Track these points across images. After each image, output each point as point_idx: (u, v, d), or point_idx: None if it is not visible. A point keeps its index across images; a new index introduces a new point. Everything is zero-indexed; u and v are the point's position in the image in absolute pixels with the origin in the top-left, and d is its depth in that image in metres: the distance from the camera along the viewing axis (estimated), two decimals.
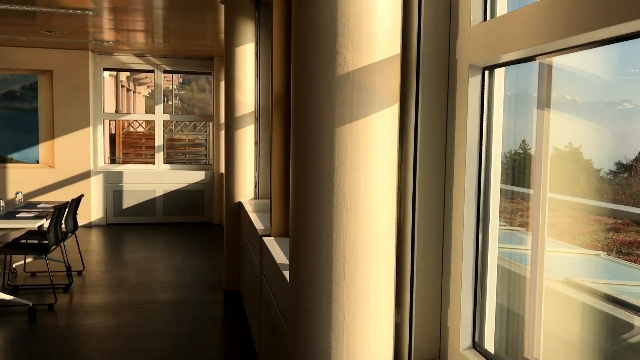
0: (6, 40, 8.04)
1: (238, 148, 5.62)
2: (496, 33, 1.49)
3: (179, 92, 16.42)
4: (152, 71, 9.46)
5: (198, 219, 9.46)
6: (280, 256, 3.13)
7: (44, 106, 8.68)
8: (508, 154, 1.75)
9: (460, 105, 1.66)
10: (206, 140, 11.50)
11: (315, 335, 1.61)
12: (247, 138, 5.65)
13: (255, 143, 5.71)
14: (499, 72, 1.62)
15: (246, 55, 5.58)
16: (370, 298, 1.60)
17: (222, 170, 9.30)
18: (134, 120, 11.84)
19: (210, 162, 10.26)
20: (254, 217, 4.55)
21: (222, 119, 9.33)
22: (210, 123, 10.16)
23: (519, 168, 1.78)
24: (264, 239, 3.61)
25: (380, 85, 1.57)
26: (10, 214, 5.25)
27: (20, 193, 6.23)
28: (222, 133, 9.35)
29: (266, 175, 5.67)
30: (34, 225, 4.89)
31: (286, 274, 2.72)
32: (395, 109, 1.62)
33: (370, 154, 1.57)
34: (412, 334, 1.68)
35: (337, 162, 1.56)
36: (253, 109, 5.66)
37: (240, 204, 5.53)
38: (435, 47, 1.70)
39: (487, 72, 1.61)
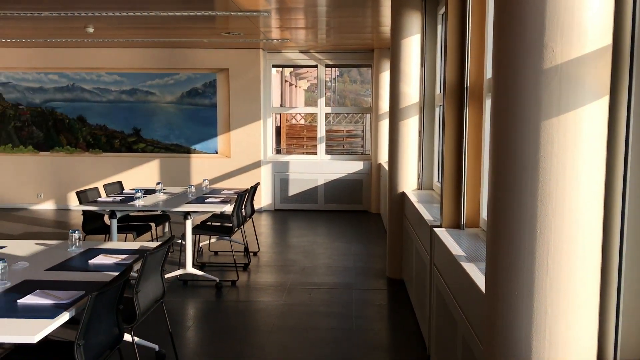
0: (191, 42, 9.00)
1: (402, 139, 5.70)
2: None
3: (334, 85, 16.96)
4: (315, 66, 9.92)
5: (356, 208, 9.77)
6: (455, 248, 3.16)
7: (222, 102, 9.58)
8: None
9: None
10: (362, 131, 11.78)
11: (515, 326, 1.64)
12: (410, 129, 5.71)
13: (419, 134, 5.74)
14: None
15: (411, 46, 5.62)
16: (573, 293, 1.58)
17: (380, 160, 9.48)
18: (296, 113, 12.54)
19: (367, 153, 10.50)
20: (420, 207, 4.60)
21: (381, 110, 9.49)
22: (368, 114, 10.37)
23: None
24: (435, 230, 3.65)
25: (590, 77, 1.54)
26: (200, 199, 5.92)
27: (206, 180, 6.98)
28: (381, 124, 9.53)
29: (429, 166, 5.69)
30: (222, 209, 5.47)
31: (464, 265, 2.75)
32: (605, 102, 1.57)
33: (577, 148, 1.54)
34: (619, 332, 1.63)
35: (542, 155, 1.56)
36: (417, 100, 5.70)
37: (403, 194, 5.62)
38: None
39: None
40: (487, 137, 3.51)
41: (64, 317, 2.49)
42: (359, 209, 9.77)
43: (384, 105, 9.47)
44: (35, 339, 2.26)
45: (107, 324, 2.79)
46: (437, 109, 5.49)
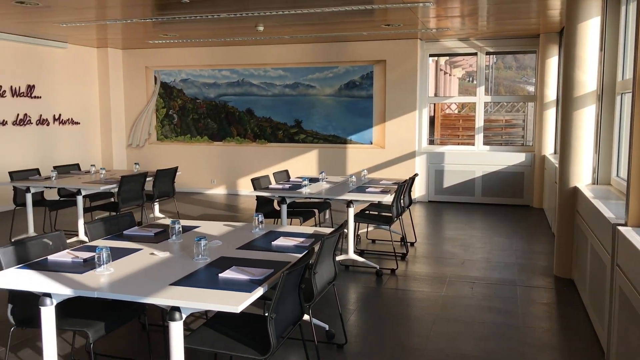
0: (349, 36, 9.26)
1: (575, 130, 5.35)
2: None
3: (490, 72, 16.23)
4: (475, 54, 9.62)
5: (516, 202, 9.34)
6: None
7: (378, 93, 9.74)
8: None
9: None
10: (524, 121, 11.19)
11: None
12: (585, 119, 5.33)
13: (596, 124, 5.33)
14: None
15: (589, 31, 5.23)
16: None
17: (545, 152, 8.95)
18: (451, 103, 12.28)
19: (529, 144, 9.96)
20: (598, 204, 4.30)
21: (547, 99, 8.94)
22: (531, 103, 9.82)
23: None
24: (620, 228, 3.40)
25: None
26: (360, 188, 6.11)
27: (365, 170, 7.18)
28: (546, 113, 8.98)
29: (607, 160, 5.27)
30: (382, 198, 5.60)
31: None
32: None
33: None
34: None
35: None
36: (594, 88, 5.29)
37: (576, 189, 5.28)
38: None
39: None
40: None
41: (259, 291, 2.76)
42: (520, 203, 9.33)
43: (551, 93, 8.91)
44: (238, 309, 2.55)
45: (292, 301, 3.05)
46: (618, 97, 5.06)
